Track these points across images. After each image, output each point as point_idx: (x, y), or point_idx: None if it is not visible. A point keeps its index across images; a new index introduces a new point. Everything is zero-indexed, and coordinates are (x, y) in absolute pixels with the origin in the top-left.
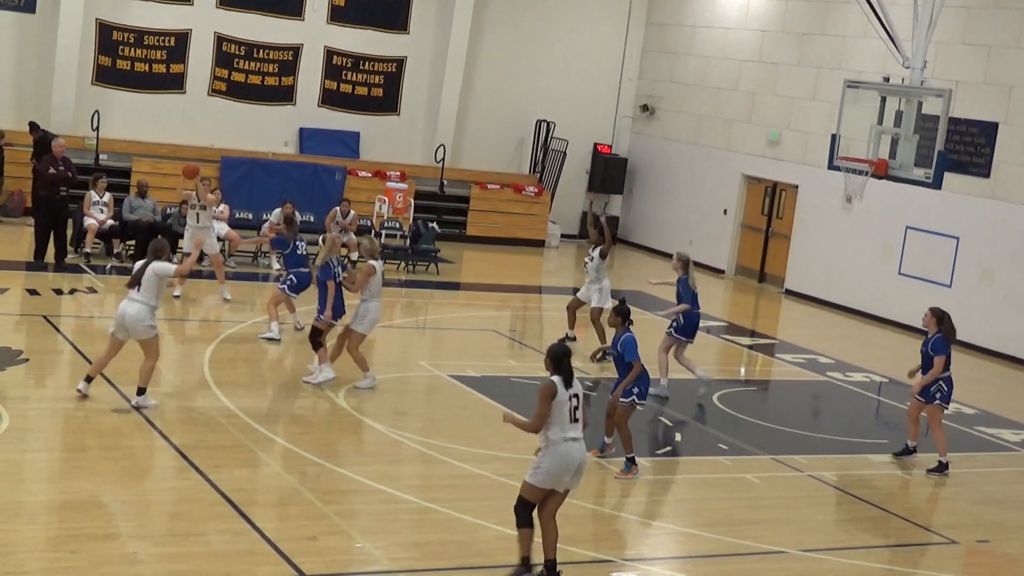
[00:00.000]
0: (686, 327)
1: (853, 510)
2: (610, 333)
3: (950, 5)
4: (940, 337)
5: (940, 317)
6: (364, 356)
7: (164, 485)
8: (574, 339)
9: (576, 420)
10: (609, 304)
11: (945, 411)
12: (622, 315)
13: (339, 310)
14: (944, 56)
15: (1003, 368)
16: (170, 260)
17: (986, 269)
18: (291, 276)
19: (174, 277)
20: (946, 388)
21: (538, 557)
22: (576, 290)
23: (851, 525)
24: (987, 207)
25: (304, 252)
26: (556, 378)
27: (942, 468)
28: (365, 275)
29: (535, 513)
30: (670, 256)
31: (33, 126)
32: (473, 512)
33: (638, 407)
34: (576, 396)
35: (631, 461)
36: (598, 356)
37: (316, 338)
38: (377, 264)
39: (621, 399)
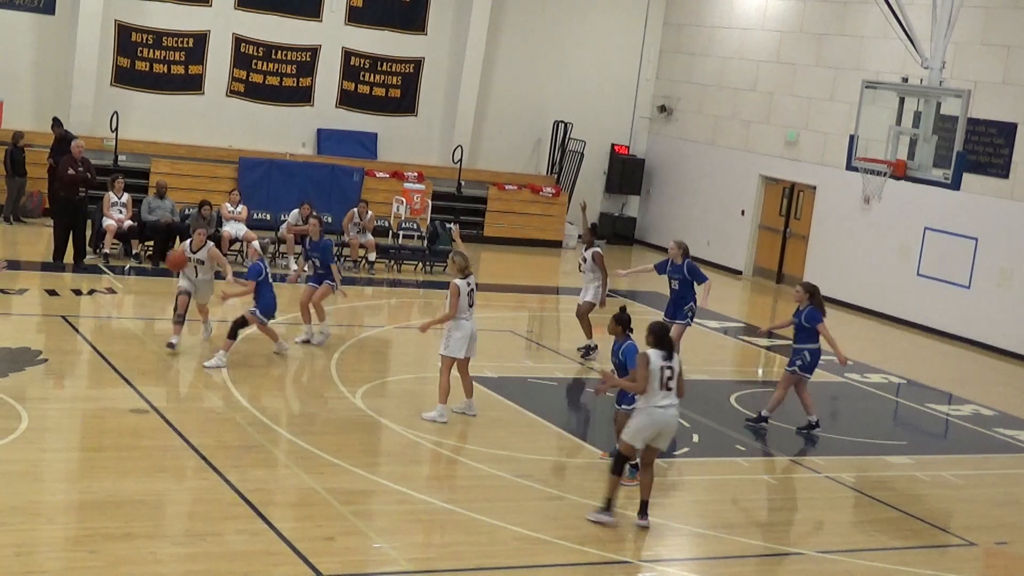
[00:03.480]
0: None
1: (871, 512)
2: (604, 336)
3: (969, 5)
4: (813, 309)
5: (811, 291)
6: (449, 385)
7: (182, 485)
8: (595, 347)
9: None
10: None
11: (807, 379)
12: (622, 323)
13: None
14: (963, 56)
15: (1022, 370)
16: None
17: (1005, 270)
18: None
19: None
20: (809, 358)
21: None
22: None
23: (869, 527)
24: (1006, 208)
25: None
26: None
27: (814, 426)
28: (452, 296)
29: None
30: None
31: (56, 122)
32: (490, 513)
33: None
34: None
35: (635, 468)
36: (582, 353)
37: (236, 327)
38: (460, 283)
39: (623, 407)
